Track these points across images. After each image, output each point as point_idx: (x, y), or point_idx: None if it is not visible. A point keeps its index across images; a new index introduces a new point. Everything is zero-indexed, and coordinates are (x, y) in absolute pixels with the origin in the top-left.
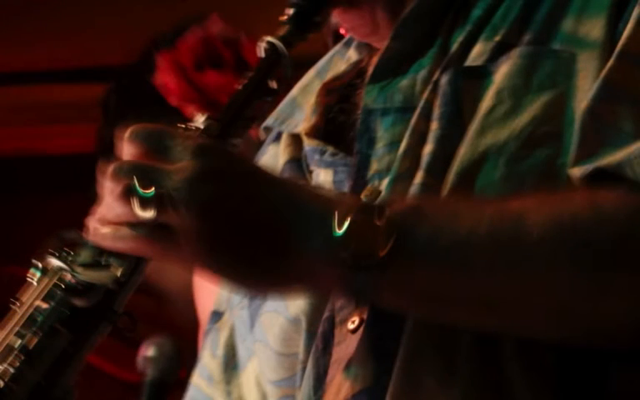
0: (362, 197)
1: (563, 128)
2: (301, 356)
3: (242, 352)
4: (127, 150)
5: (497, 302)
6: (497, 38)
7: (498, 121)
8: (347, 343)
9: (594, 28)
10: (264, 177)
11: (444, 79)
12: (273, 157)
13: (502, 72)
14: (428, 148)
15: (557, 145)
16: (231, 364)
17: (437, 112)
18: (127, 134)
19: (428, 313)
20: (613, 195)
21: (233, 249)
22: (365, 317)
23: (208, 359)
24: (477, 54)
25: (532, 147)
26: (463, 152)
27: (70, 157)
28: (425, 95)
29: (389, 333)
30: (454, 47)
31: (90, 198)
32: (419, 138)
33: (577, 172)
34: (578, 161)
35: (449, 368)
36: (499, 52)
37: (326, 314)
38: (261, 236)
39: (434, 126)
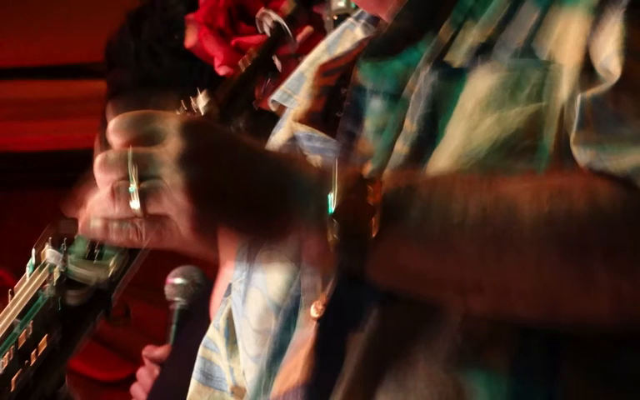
0: (358, 155)
1: (541, 141)
2: (272, 333)
3: (237, 328)
4: (113, 141)
5: (484, 287)
6: (484, 40)
7: (482, 133)
8: (308, 329)
9: (578, 39)
10: (254, 150)
11: (429, 78)
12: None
13: (487, 84)
14: (404, 149)
15: (533, 157)
16: (232, 339)
17: (418, 113)
18: (110, 126)
19: (413, 291)
20: (614, 193)
21: (225, 225)
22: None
23: (212, 330)
24: (463, 52)
25: (512, 160)
26: (442, 162)
27: (43, 154)
28: (412, 87)
29: (347, 328)
30: (445, 38)
31: (65, 194)
32: (399, 133)
33: (581, 158)
34: (579, 143)
35: (406, 376)
36: (483, 52)
37: (294, 292)
38: (251, 208)
39: (413, 127)
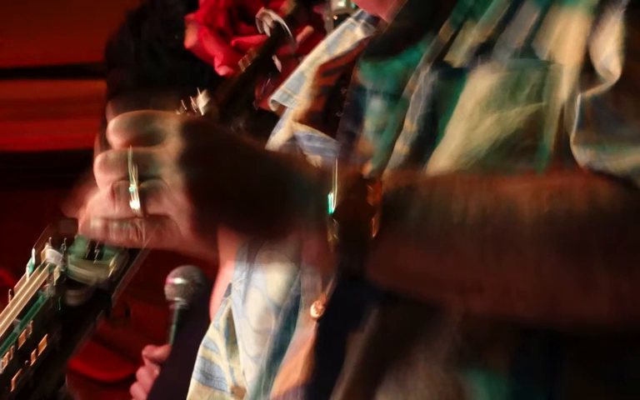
0: (358, 155)
1: (541, 141)
2: (272, 333)
3: (237, 328)
4: (114, 141)
5: (484, 287)
6: (484, 40)
7: (482, 133)
8: (308, 329)
9: (578, 39)
10: (254, 150)
11: (429, 78)
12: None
13: (487, 84)
14: (404, 149)
15: (533, 157)
16: (232, 339)
17: (418, 113)
18: (110, 126)
19: (413, 291)
20: (614, 193)
21: (225, 225)
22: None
23: (212, 330)
24: (463, 52)
25: (512, 160)
26: (442, 162)
27: (42, 154)
28: (412, 87)
29: (347, 328)
30: (445, 38)
31: (65, 194)
32: (399, 134)
33: (581, 158)
34: (578, 143)
35: (406, 376)
36: (483, 52)
37: (294, 292)
38: (251, 208)
39: (413, 127)
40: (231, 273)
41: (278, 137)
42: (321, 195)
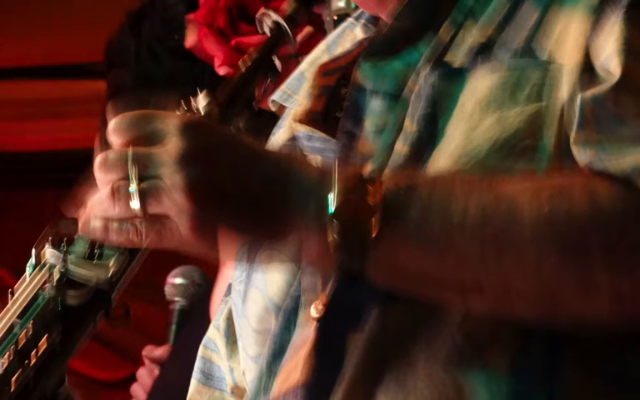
0: (358, 155)
1: (541, 141)
2: (272, 333)
3: (237, 328)
4: (114, 141)
5: (484, 287)
6: (484, 40)
7: (482, 133)
8: (308, 329)
9: (578, 39)
10: (254, 150)
11: (429, 78)
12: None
13: (487, 84)
14: (404, 149)
15: (533, 157)
16: (232, 339)
17: (418, 113)
18: (110, 126)
19: (413, 291)
20: (614, 193)
21: (225, 225)
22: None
23: (212, 330)
24: (463, 52)
25: (512, 160)
26: (442, 162)
27: (42, 154)
28: (412, 87)
29: (347, 328)
30: (445, 38)
31: (65, 194)
32: (399, 134)
33: (581, 158)
34: (578, 143)
35: (406, 376)
36: (483, 52)
37: (294, 292)
38: (251, 208)
39: (413, 127)
40: (231, 273)
41: (278, 137)
42: (321, 195)
